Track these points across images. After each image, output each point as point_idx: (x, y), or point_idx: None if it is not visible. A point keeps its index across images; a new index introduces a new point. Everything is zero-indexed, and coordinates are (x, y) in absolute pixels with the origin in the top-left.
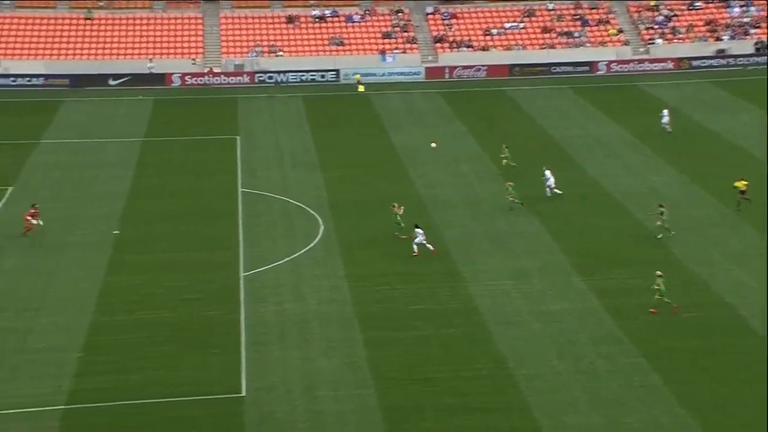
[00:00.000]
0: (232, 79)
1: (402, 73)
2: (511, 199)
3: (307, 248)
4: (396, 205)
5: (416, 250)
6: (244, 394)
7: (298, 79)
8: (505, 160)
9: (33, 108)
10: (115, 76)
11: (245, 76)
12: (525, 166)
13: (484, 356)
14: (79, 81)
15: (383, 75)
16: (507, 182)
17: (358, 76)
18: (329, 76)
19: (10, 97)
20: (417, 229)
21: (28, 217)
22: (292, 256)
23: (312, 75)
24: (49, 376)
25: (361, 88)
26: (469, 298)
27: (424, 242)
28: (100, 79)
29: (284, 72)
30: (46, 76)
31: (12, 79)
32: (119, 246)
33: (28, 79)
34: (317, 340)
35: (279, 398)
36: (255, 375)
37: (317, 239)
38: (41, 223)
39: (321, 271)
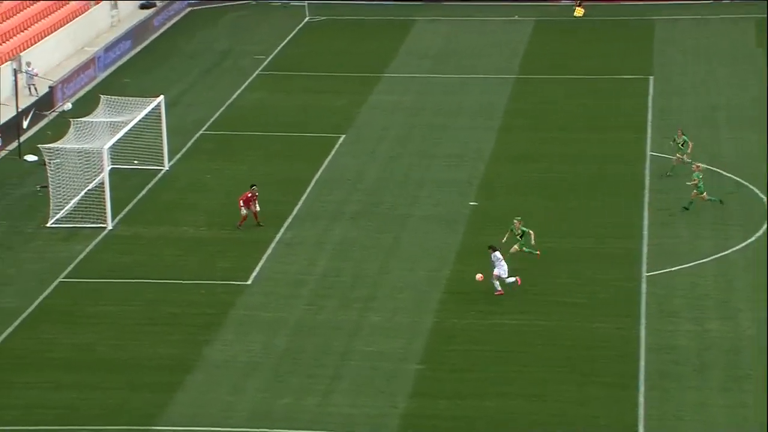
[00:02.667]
0: None
1: None
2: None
3: (744, 244)
4: None
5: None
6: None
7: None
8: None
9: (381, 29)
10: None
11: None
12: None
13: None
14: None
15: None
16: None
17: None
18: None
19: (361, 14)
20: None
21: (242, 204)
22: (721, 254)
23: None
24: (379, 392)
25: None
26: None
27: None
28: None
29: None
30: None
31: None
32: (476, 223)
33: None
34: (751, 380)
35: None
36: (655, 419)
37: (762, 231)
38: (258, 208)
39: (765, 278)
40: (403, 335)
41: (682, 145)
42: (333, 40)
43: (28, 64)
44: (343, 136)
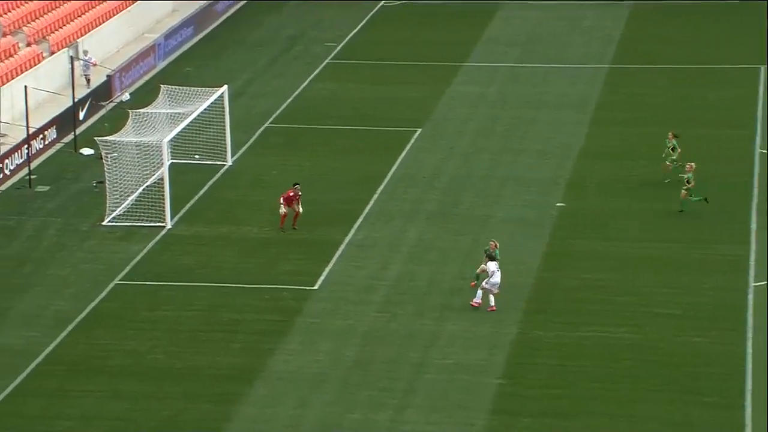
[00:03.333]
0: None
1: None
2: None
3: None
4: None
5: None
6: None
7: None
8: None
9: (462, 14)
10: None
11: None
12: None
13: None
14: None
15: None
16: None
17: None
18: None
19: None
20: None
21: (282, 202)
22: None
23: None
24: (456, 407)
25: None
26: None
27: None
28: None
29: None
30: None
31: None
32: (563, 226)
33: None
34: None
35: None
36: None
37: None
38: (301, 209)
39: None
40: (483, 347)
41: (672, 150)
42: (410, 27)
43: (85, 52)
44: (420, 130)
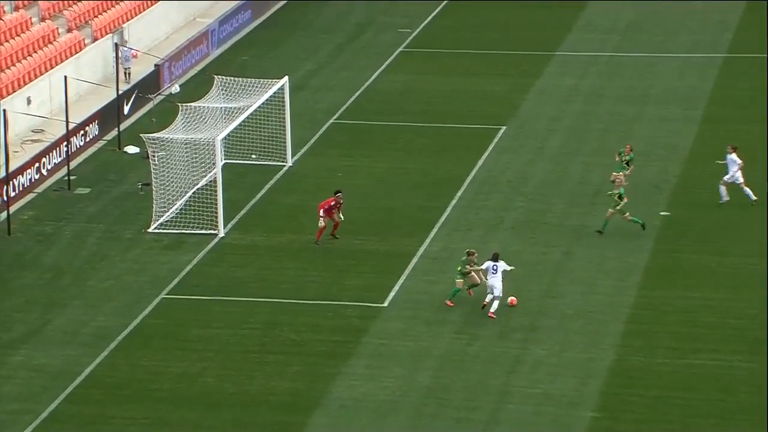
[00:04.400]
0: None
1: None
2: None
3: None
4: None
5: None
6: None
7: None
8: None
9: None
10: None
11: None
12: None
13: None
14: None
15: None
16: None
17: None
18: None
19: None
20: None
21: (322, 214)
22: None
23: None
24: None
25: None
26: None
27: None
28: None
29: None
30: None
31: None
32: (668, 238)
33: None
34: None
35: None
36: None
37: None
38: (342, 217)
39: None
40: (574, 374)
41: (627, 164)
42: (494, 11)
43: (125, 42)
44: (504, 127)
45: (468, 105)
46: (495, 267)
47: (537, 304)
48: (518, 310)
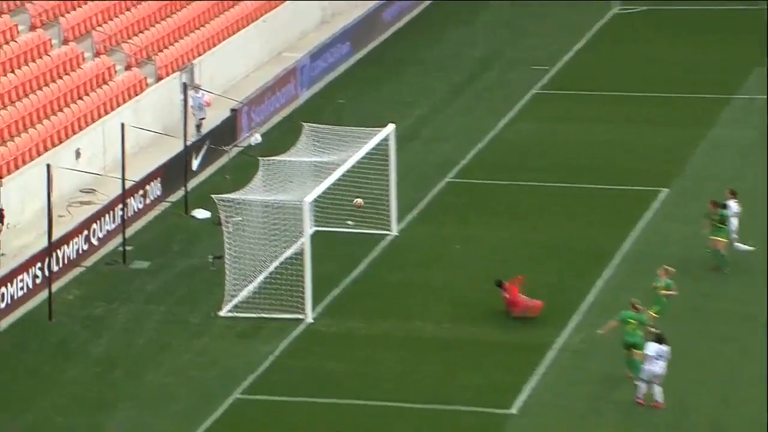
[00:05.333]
0: None
1: None
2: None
3: None
4: None
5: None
6: None
7: None
8: None
9: (736, 24)
10: None
11: None
12: None
13: None
14: None
15: None
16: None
17: None
18: None
19: (700, 3)
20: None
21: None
22: None
23: None
24: None
25: None
26: None
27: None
28: None
29: None
30: None
31: None
32: None
33: None
34: None
35: None
36: None
37: None
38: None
39: None
40: None
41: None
42: (653, 44)
43: (197, 87)
44: (666, 190)
45: (619, 160)
46: (661, 352)
47: (710, 413)
48: (683, 421)
